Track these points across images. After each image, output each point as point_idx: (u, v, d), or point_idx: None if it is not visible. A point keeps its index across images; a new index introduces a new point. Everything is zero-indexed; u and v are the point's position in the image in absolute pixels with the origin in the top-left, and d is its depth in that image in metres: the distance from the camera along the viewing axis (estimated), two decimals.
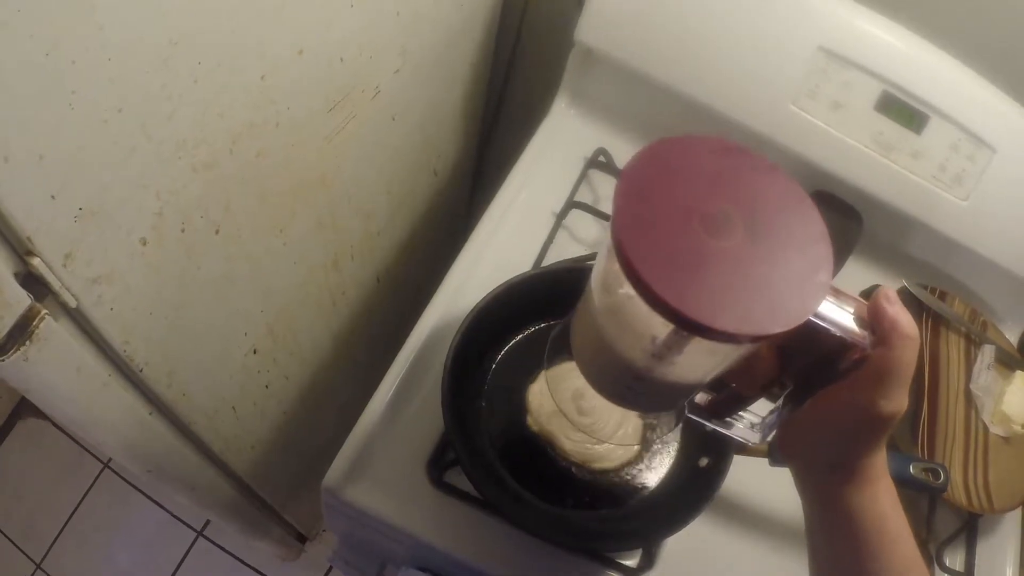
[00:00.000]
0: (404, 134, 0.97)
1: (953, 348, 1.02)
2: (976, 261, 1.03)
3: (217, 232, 0.68)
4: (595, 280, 0.51)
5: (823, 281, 0.44)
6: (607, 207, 0.92)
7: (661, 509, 0.80)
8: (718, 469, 0.78)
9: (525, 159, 1.00)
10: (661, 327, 0.45)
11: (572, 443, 0.81)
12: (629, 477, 0.82)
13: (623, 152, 1.02)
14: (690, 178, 0.44)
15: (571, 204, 0.96)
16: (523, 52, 1.09)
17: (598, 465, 0.82)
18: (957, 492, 0.92)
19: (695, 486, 0.79)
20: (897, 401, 0.47)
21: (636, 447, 0.83)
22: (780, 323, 0.41)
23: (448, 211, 1.27)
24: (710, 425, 0.60)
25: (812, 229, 0.45)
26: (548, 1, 1.03)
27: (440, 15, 0.91)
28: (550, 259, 0.92)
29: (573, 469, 0.81)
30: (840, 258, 1.06)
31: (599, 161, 1.00)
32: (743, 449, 0.76)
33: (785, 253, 0.43)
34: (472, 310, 0.79)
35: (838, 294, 0.47)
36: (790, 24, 0.93)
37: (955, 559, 0.94)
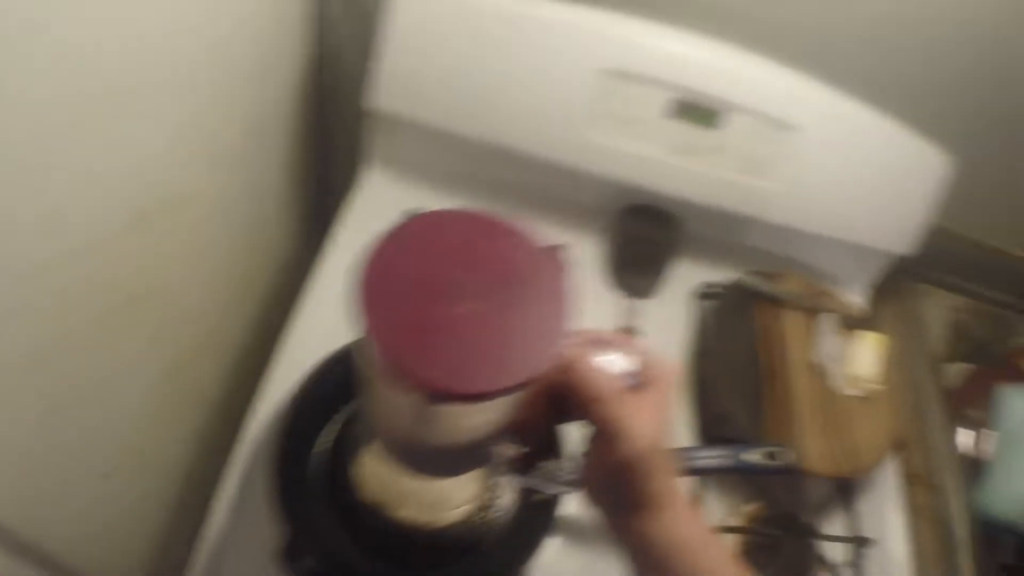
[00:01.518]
0: (230, 228, 0.99)
1: (793, 326, 1.06)
2: (802, 237, 1.07)
3: (36, 367, 0.67)
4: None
5: (557, 332, 0.45)
6: None
7: (510, 547, 0.82)
8: (550, 505, 0.80)
9: (341, 232, 1.02)
10: (411, 398, 0.46)
11: (407, 510, 0.82)
12: (477, 523, 0.84)
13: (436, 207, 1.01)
14: (425, 252, 0.47)
15: None
16: (339, 126, 1.09)
17: (438, 524, 0.82)
18: (822, 463, 0.95)
19: (534, 522, 0.81)
20: (622, 449, 0.49)
21: (473, 494, 0.84)
22: (514, 377, 0.43)
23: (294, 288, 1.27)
24: (527, 482, 0.64)
25: (551, 286, 0.47)
26: (345, 77, 1.03)
27: (243, 112, 0.93)
28: None
29: (420, 532, 0.82)
30: (662, 264, 1.09)
31: None
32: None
33: (519, 312, 0.45)
34: (291, 399, 0.81)
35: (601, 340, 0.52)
36: (567, 54, 0.96)
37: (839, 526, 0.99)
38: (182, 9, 0.74)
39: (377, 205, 1.06)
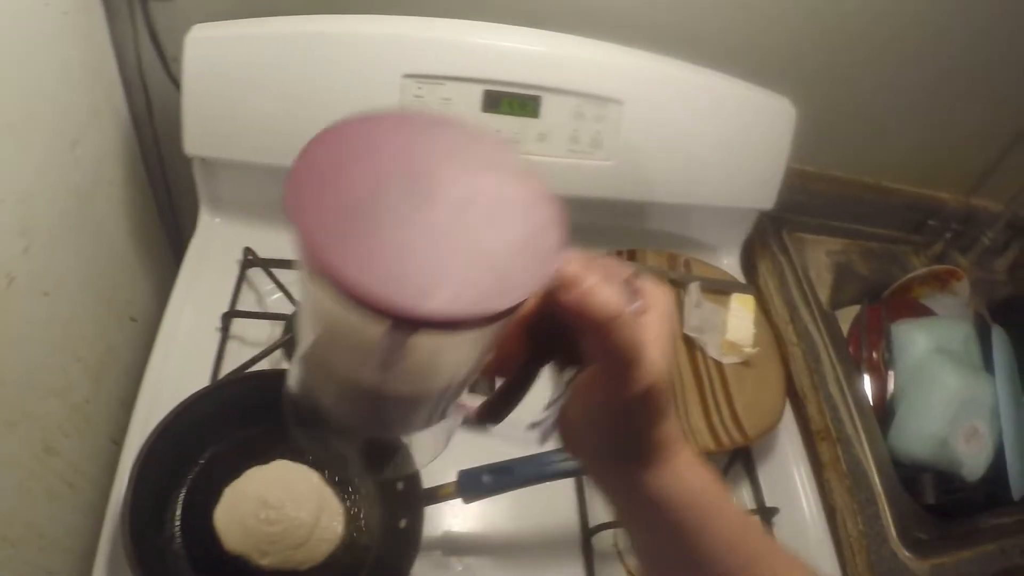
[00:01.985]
0: (71, 300, 0.98)
1: None
2: (653, 209, 1.03)
3: None
4: (302, 306, 0.42)
5: (553, 243, 0.36)
6: (270, 303, 0.97)
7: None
8: (414, 528, 0.79)
9: (182, 279, 1.01)
10: (372, 330, 0.33)
11: (270, 557, 0.80)
12: (343, 561, 0.82)
13: (271, 245, 1.04)
14: (377, 154, 0.36)
15: (231, 314, 0.97)
16: (175, 176, 1.08)
17: (306, 566, 0.81)
18: (703, 438, 0.90)
19: (401, 547, 0.80)
20: (639, 379, 0.40)
21: (339, 530, 0.81)
22: (510, 297, 0.33)
23: None
24: (496, 436, 0.50)
25: (530, 190, 0.38)
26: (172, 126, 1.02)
27: (58, 182, 0.92)
28: (226, 371, 0.93)
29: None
30: None
31: (249, 260, 1.02)
32: (432, 499, 0.79)
33: (503, 219, 0.36)
34: (138, 455, 0.78)
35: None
36: (368, 65, 0.94)
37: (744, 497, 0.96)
38: None
39: (214, 248, 1.05)
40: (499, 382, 0.47)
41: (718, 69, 1.01)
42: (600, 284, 0.38)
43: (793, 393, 1.04)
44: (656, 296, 0.43)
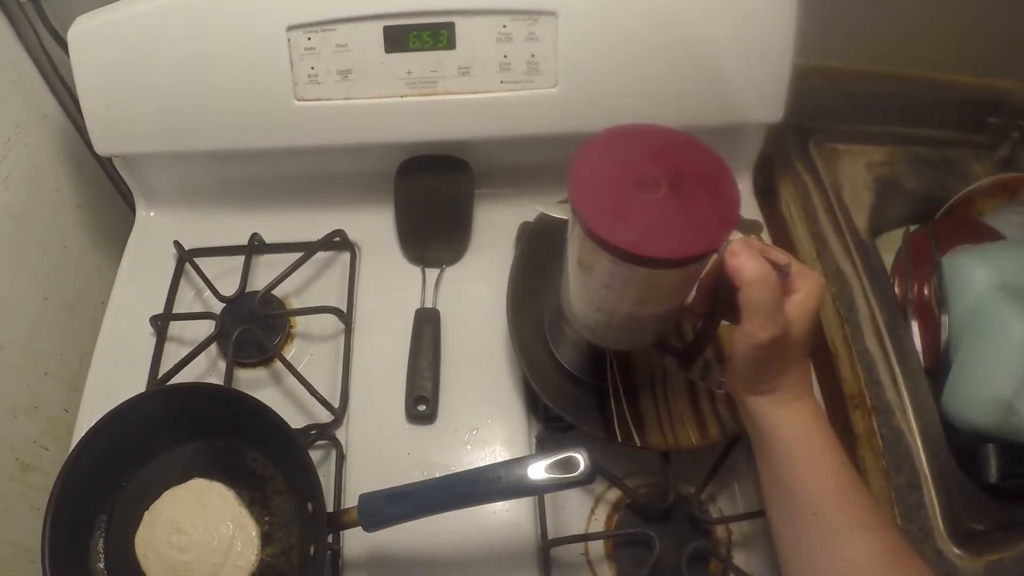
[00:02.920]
0: (26, 320, 0.98)
1: None
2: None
3: None
4: (568, 241, 0.64)
5: (729, 218, 0.55)
6: (206, 296, 0.92)
7: None
8: (321, 555, 0.71)
9: (119, 279, 0.97)
10: (608, 263, 0.56)
11: None
12: None
13: (202, 232, 0.97)
14: (627, 153, 0.59)
15: (165, 317, 0.92)
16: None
17: None
18: (686, 434, 0.76)
19: (312, 572, 0.71)
20: (768, 329, 0.56)
21: (252, 557, 0.74)
22: (691, 249, 0.54)
23: None
24: (684, 374, 0.73)
25: (723, 185, 0.57)
26: None
27: None
28: (164, 373, 0.88)
29: None
30: (461, 221, 0.91)
31: (180, 253, 0.96)
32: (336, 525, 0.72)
33: (700, 201, 0.56)
34: (55, 483, 0.75)
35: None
36: (251, 25, 0.83)
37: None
38: None
39: (152, 242, 0.99)
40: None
41: None
42: (749, 256, 0.55)
43: (823, 348, 0.83)
44: (807, 279, 0.59)
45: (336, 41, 0.82)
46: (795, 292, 0.59)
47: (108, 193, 1.15)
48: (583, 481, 0.64)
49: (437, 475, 0.69)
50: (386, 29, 0.82)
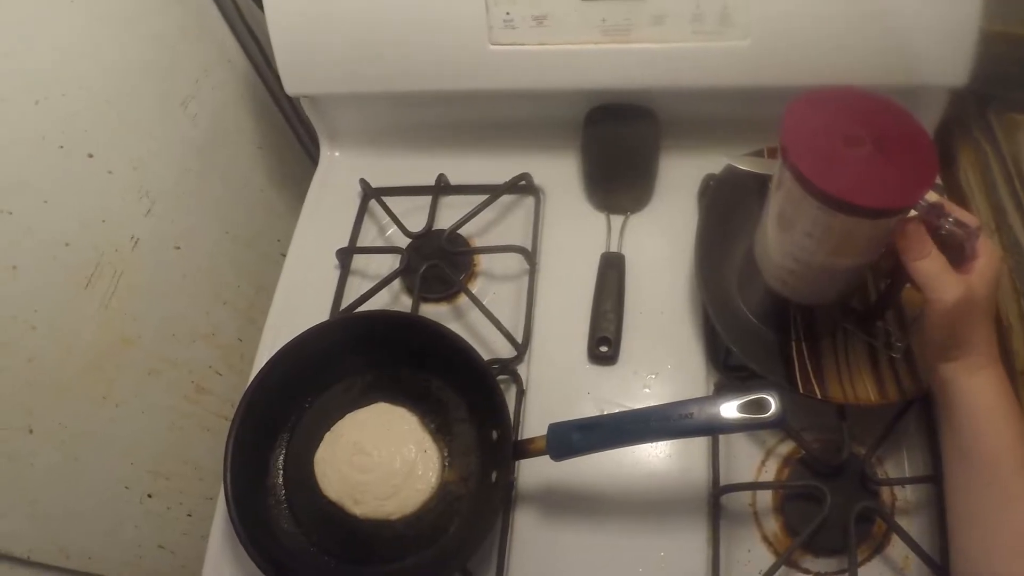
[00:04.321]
0: (206, 250, 1.05)
1: None
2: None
3: (31, 432, 0.79)
4: (771, 193, 0.70)
5: (928, 178, 0.60)
6: (389, 233, 0.99)
7: (471, 531, 0.78)
8: (504, 482, 0.76)
9: (304, 214, 1.03)
10: (815, 210, 0.62)
11: (362, 506, 0.81)
12: (434, 511, 0.80)
13: (387, 172, 1.03)
14: (836, 112, 0.64)
15: (350, 250, 0.98)
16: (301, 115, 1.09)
17: (397, 516, 0.80)
18: (865, 390, 0.76)
19: (492, 501, 0.76)
20: (950, 291, 0.61)
21: (433, 481, 0.79)
22: (893, 201, 0.60)
23: None
24: (862, 336, 0.78)
25: (922, 146, 0.62)
26: None
27: (175, 142, 0.99)
28: (345, 306, 0.93)
29: (376, 527, 0.80)
30: (647, 169, 0.97)
31: (366, 191, 1.02)
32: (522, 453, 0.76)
33: (901, 160, 0.61)
34: (242, 398, 0.81)
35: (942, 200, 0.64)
36: None
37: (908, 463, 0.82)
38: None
39: (336, 182, 1.05)
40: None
41: None
42: (918, 233, 0.62)
43: (995, 320, 0.82)
44: (987, 247, 0.64)
45: None
46: (979, 256, 0.63)
47: (287, 137, 1.22)
48: (774, 423, 0.66)
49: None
50: None
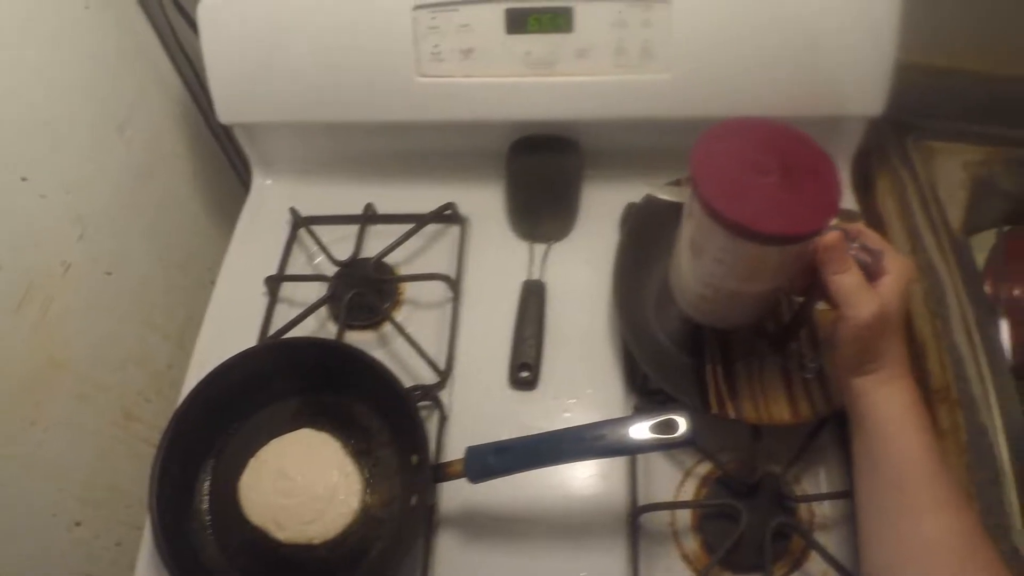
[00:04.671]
0: (139, 275, 1.05)
1: None
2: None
3: None
4: (683, 220, 0.72)
5: (831, 205, 0.63)
6: (318, 261, 1.01)
7: (392, 554, 0.79)
8: (424, 505, 0.78)
9: (234, 242, 1.05)
10: (723, 238, 0.64)
11: (286, 531, 0.81)
12: (357, 535, 0.82)
13: (317, 200, 1.05)
14: (744, 141, 0.66)
15: (278, 278, 0.99)
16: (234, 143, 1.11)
17: (320, 540, 0.81)
18: (779, 410, 0.80)
19: (413, 525, 0.78)
20: (867, 307, 0.63)
21: (355, 505, 0.80)
22: (798, 228, 0.62)
23: None
24: (775, 358, 0.81)
25: (827, 173, 0.64)
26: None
27: (109, 167, 1.00)
28: (274, 332, 0.94)
29: (299, 551, 0.81)
30: (569, 199, 0.98)
31: (295, 219, 1.04)
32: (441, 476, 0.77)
33: (807, 188, 0.63)
34: (169, 422, 0.82)
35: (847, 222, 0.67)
36: (375, 3, 0.91)
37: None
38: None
39: (267, 209, 1.08)
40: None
41: None
42: (835, 248, 0.63)
43: (910, 341, 0.86)
44: (896, 261, 0.66)
45: (459, 21, 0.89)
46: (887, 273, 0.65)
47: (220, 164, 1.24)
48: (684, 442, 0.69)
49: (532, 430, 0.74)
50: (508, 11, 0.88)
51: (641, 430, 0.69)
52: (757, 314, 0.78)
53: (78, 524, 0.96)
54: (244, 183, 1.24)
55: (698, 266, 0.71)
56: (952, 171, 0.94)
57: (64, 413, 0.93)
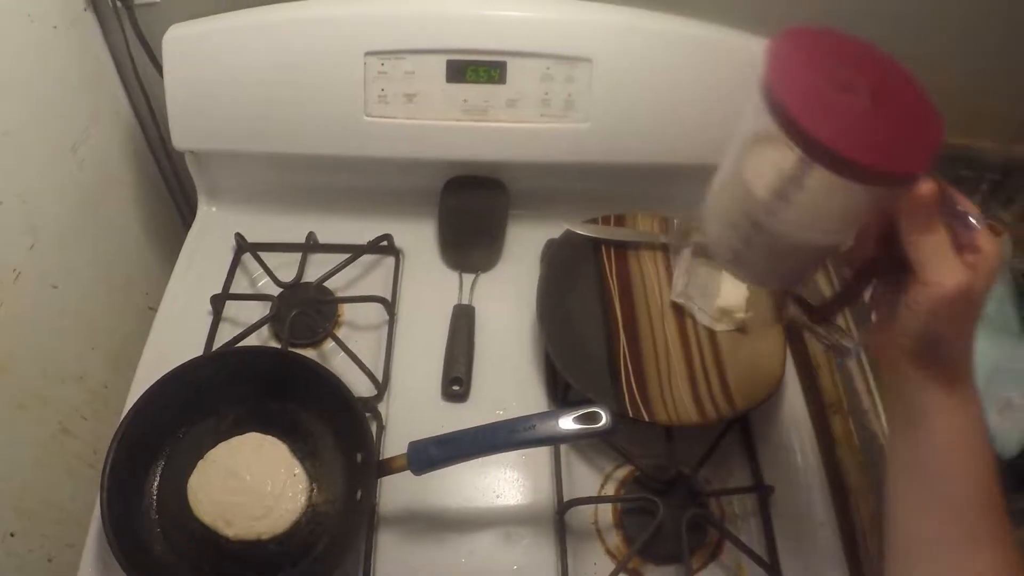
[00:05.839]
0: (83, 292, 1.10)
1: (650, 268, 1.02)
2: (639, 171, 1.04)
3: None
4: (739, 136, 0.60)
5: (933, 144, 0.52)
6: (261, 286, 1.08)
7: (338, 547, 0.85)
8: (368, 499, 0.85)
9: (179, 265, 1.12)
10: (796, 160, 0.52)
11: (234, 528, 0.86)
12: (304, 531, 0.88)
13: (261, 228, 1.13)
14: (831, 53, 0.55)
15: (222, 297, 1.06)
16: (186, 168, 1.17)
17: (268, 535, 0.87)
18: (686, 411, 0.89)
19: (357, 518, 0.85)
20: (955, 275, 0.52)
21: (302, 501, 0.88)
22: (897, 165, 0.51)
23: None
24: (817, 330, 0.70)
25: (925, 109, 0.54)
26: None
27: (62, 183, 1.04)
28: (218, 347, 1.01)
29: (247, 547, 0.86)
30: (495, 233, 1.08)
31: (240, 245, 1.12)
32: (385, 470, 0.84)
33: (903, 117, 0.53)
34: (118, 428, 0.86)
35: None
36: (333, 47, 1.01)
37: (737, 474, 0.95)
38: None
39: (212, 236, 1.15)
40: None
41: (703, 18, 1.01)
42: (929, 201, 0.52)
43: (806, 363, 1.00)
44: (990, 239, 0.54)
45: (405, 68, 1.01)
46: (979, 250, 0.54)
47: (161, 193, 1.29)
48: (606, 431, 0.79)
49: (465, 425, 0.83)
50: (449, 62, 1.01)
51: (568, 421, 0.79)
52: (801, 274, 0.66)
53: (12, 535, 0.98)
54: (182, 214, 1.31)
55: (748, 199, 0.58)
56: None
57: (3, 420, 0.95)
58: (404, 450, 0.83)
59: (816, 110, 0.50)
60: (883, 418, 0.93)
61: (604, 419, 0.79)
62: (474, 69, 1.00)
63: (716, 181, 0.64)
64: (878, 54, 0.56)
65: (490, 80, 1.01)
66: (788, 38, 0.55)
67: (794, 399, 1.00)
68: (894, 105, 0.53)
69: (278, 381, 0.93)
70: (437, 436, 0.83)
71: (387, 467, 0.84)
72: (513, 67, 1.00)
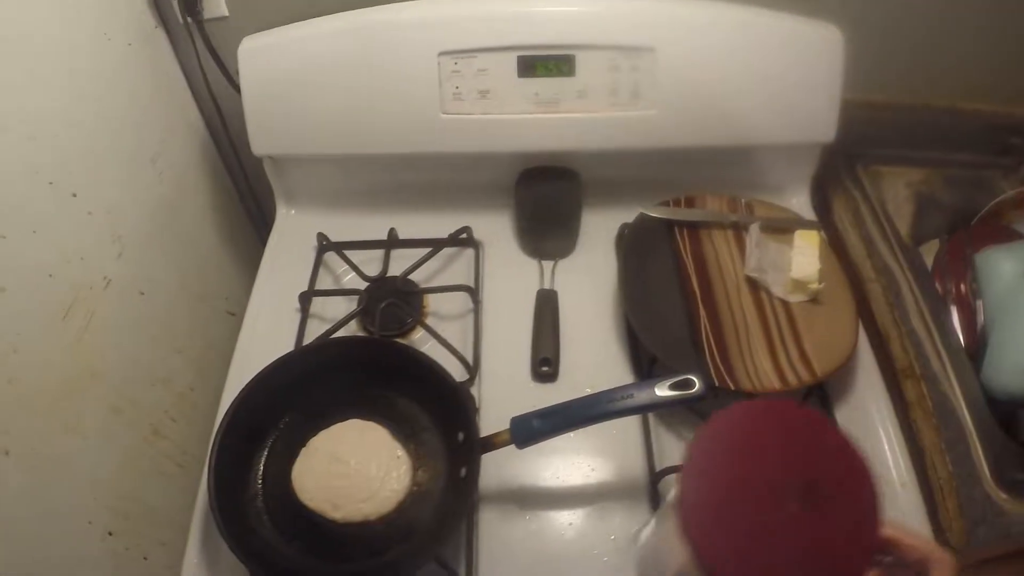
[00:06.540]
0: (166, 299, 1.15)
1: (722, 245, 1.07)
2: (704, 154, 1.11)
3: (7, 453, 0.84)
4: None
5: (867, 548, 0.50)
6: (344, 282, 1.12)
7: (443, 523, 0.89)
8: (473, 476, 0.87)
9: (263, 268, 1.17)
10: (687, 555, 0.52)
11: (341, 510, 0.90)
12: (410, 511, 0.91)
13: (342, 229, 1.18)
14: (754, 450, 0.53)
15: (309, 294, 1.11)
16: (256, 175, 1.22)
17: (375, 516, 0.91)
18: (768, 379, 0.93)
19: (461, 495, 0.89)
20: None
21: (406, 481, 0.92)
22: None
23: None
24: None
25: (865, 498, 0.52)
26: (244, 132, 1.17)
27: (143, 194, 1.09)
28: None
29: (354, 528, 0.90)
30: (571, 220, 1.14)
31: (323, 245, 1.17)
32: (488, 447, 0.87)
33: (836, 520, 0.50)
34: (221, 422, 0.91)
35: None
36: (406, 50, 1.06)
37: None
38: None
39: (292, 238, 1.21)
40: None
41: (754, 4, 1.06)
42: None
43: (875, 332, 1.04)
44: (940, 564, 0.54)
45: (478, 66, 1.06)
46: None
47: (234, 201, 1.35)
48: (700, 396, 0.83)
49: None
50: (519, 58, 1.06)
51: (663, 388, 0.83)
52: None
53: (111, 534, 1.02)
54: (253, 221, 1.36)
55: (660, 561, 0.63)
56: (897, 190, 1.15)
57: (100, 423, 0.99)
58: (500, 430, 0.86)
59: (737, 554, 0.49)
60: (954, 382, 0.97)
61: (697, 385, 0.83)
62: (544, 63, 1.06)
63: (647, 529, 0.70)
64: (816, 429, 0.55)
65: (560, 73, 1.06)
66: (705, 444, 0.54)
67: (868, 365, 1.04)
68: (826, 493, 0.51)
69: (374, 369, 0.97)
70: (538, 410, 0.86)
71: (490, 443, 0.87)
72: (581, 60, 1.05)
